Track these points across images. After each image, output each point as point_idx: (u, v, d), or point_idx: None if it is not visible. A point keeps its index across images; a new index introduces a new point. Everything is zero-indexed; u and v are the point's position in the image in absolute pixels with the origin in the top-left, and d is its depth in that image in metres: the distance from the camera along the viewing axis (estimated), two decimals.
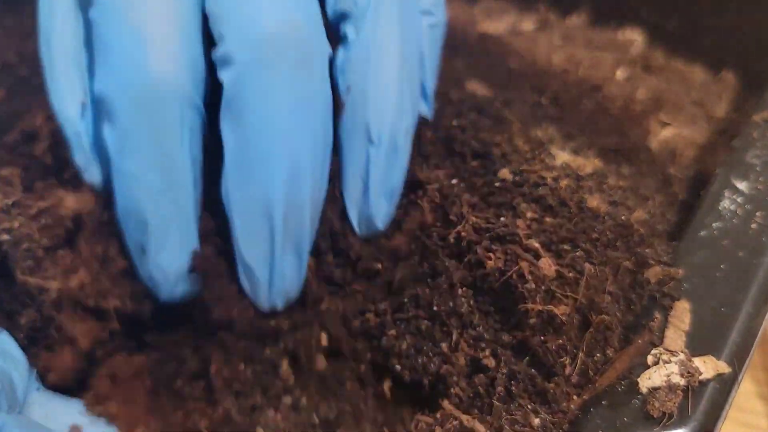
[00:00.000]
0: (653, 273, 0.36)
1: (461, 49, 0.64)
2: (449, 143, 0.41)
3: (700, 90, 0.61)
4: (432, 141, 0.42)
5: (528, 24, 0.69)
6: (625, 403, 0.32)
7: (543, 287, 0.32)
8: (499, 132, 0.43)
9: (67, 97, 0.35)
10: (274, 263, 0.34)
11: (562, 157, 0.42)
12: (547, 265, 0.33)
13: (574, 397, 0.33)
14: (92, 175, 0.36)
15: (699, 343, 0.34)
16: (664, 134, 0.57)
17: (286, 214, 0.33)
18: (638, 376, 0.33)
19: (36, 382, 0.35)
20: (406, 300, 0.35)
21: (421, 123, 0.41)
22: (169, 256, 0.33)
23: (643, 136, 0.57)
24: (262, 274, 0.34)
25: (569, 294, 0.33)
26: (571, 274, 0.33)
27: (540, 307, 0.32)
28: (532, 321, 0.32)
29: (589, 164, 0.42)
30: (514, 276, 0.32)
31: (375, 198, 0.37)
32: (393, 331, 0.35)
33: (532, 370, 0.33)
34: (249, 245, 0.34)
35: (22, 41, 0.60)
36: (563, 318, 0.32)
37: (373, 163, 0.36)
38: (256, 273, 0.34)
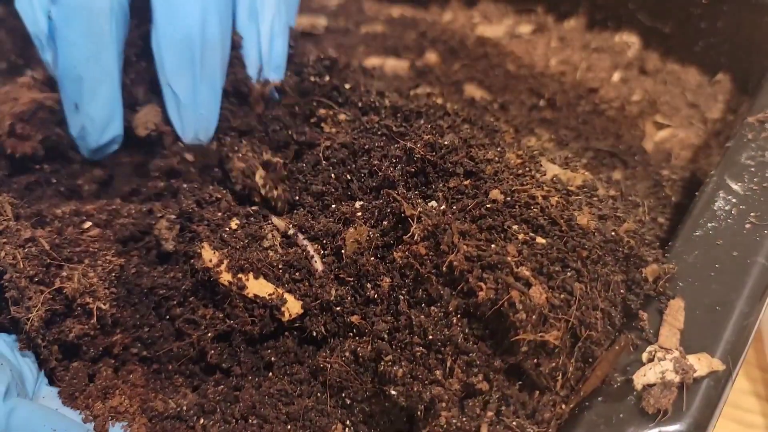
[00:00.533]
0: (650, 271, 0.37)
1: (460, 53, 0.65)
2: (443, 163, 0.41)
3: (695, 92, 0.62)
4: (424, 159, 0.42)
5: (525, 27, 0.69)
6: (620, 399, 0.33)
7: (534, 316, 0.33)
8: (491, 145, 0.44)
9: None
10: (195, 89, 0.44)
11: (553, 170, 0.42)
12: (538, 293, 0.33)
13: (562, 406, 0.33)
14: (47, 54, 0.45)
15: (693, 340, 0.34)
16: (660, 136, 0.58)
17: (203, 49, 0.44)
18: (633, 373, 0.33)
19: (44, 380, 0.37)
20: (402, 326, 0.36)
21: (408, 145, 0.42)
22: (98, 107, 0.44)
23: (639, 137, 0.57)
24: (186, 97, 0.44)
25: (561, 316, 0.33)
26: (562, 296, 0.34)
27: (531, 337, 0.33)
28: (524, 349, 0.33)
29: (578, 177, 0.42)
30: (506, 305, 0.33)
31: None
32: (390, 357, 0.36)
33: (524, 393, 0.34)
34: (175, 76, 0.44)
35: None
36: (556, 342, 0.33)
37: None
38: (181, 98, 0.44)
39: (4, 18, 0.72)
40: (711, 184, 0.43)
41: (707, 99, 0.61)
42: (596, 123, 0.57)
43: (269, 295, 0.38)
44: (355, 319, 0.37)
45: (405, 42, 0.67)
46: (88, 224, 0.43)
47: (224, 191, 0.44)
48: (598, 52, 0.65)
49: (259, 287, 0.38)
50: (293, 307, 0.38)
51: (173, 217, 0.42)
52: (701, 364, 0.33)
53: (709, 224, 0.40)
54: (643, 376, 0.32)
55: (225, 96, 0.47)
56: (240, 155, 0.44)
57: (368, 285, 0.38)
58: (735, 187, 0.42)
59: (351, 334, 0.38)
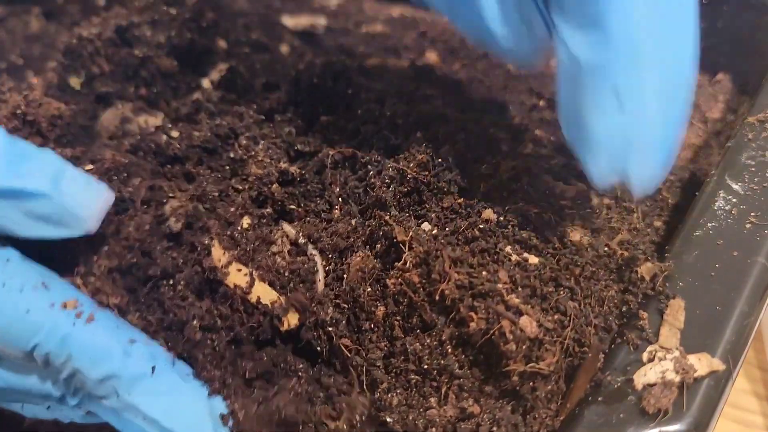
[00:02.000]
0: (645, 269, 0.37)
1: (460, 53, 0.65)
2: (437, 182, 0.42)
3: (695, 92, 0.61)
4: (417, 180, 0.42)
5: None
6: (620, 399, 0.33)
7: (524, 346, 0.33)
8: (487, 155, 0.44)
9: None
10: None
11: (546, 181, 0.43)
12: (528, 323, 0.33)
13: (553, 420, 0.34)
14: None
15: (694, 340, 0.34)
16: None
17: None
18: (633, 373, 0.33)
19: None
20: (397, 352, 0.37)
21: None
22: None
23: None
24: None
25: (556, 339, 0.33)
26: (556, 317, 0.34)
27: (522, 368, 0.33)
28: (515, 379, 0.33)
29: (571, 189, 0.43)
30: (496, 334, 0.33)
31: None
32: (385, 384, 0.36)
33: (516, 415, 0.34)
34: None
35: None
36: (550, 369, 0.33)
37: None
38: None
39: (4, 18, 0.72)
40: (711, 184, 0.43)
41: (707, 99, 0.61)
42: None
43: (272, 303, 0.38)
44: (346, 342, 0.37)
45: (405, 42, 0.67)
46: None
47: (241, 187, 0.43)
48: None
49: (263, 293, 0.38)
50: (292, 318, 0.38)
51: (184, 201, 0.42)
52: (701, 363, 0.33)
53: (709, 224, 0.40)
54: (644, 376, 0.32)
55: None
56: (258, 160, 0.44)
57: (362, 315, 0.38)
58: (735, 187, 0.42)
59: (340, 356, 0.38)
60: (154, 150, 0.46)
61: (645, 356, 0.33)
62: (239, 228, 0.40)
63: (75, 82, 0.55)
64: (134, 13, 0.58)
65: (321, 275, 0.39)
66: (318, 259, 0.39)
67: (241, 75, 0.55)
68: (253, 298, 0.37)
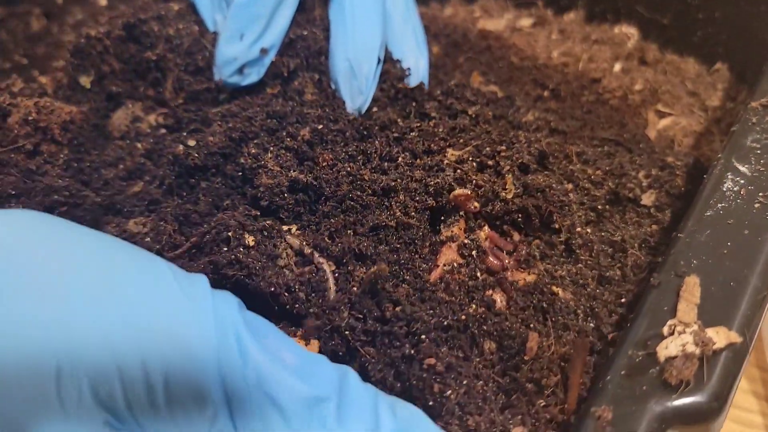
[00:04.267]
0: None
1: (463, 46, 0.66)
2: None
3: (695, 81, 0.63)
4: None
5: (526, 21, 0.70)
6: (643, 372, 0.34)
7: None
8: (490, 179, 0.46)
9: None
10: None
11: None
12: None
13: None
14: None
15: (710, 315, 0.35)
16: (662, 124, 0.59)
17: None
18: (654, 347, 0.34)
19: None
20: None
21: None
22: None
23: (643, 126, 0.58)
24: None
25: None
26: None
27: None
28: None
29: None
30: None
31: None
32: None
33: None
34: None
35: None
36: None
37: None
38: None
39: (4, 18, 0.72)
40: (719, 166, 0.44)
41: (707, 88, 0.62)
42: (600, 112, 0.58)
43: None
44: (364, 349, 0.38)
45: None
46: None
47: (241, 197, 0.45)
48: (598, 43, 0.66)
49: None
50: (312, 348, 0.39)
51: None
52: (719, 336, 0.34)
53: (719, 204, 0.41)
54: (665, 349, 0.33)
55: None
56: (267, 169, 0.45)
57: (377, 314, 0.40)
58: (742, 169, 0.43)
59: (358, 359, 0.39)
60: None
61: (665, 330, 0.34)
62: (243, 247, 0.41)
63: (85, 81, 0.55)
64: (139, 11, 0.58)
65: (331, 282, 0.40)
66: (326, 267, 0.40)
67: None
68: None
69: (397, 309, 0.38)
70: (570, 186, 0.46)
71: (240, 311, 0.31)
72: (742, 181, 0.42)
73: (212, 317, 0.29)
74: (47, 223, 0.31)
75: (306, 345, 0.39)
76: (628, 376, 0.34)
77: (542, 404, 0.37)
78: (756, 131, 0.46)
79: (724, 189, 0.42)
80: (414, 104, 0.52)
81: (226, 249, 0.41)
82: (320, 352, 0.39)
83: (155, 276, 0.30)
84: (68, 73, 0.55)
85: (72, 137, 0.51)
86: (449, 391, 0.35)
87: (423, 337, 0.37)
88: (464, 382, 0.35)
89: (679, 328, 0.34)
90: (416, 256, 0.42)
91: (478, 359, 0.37)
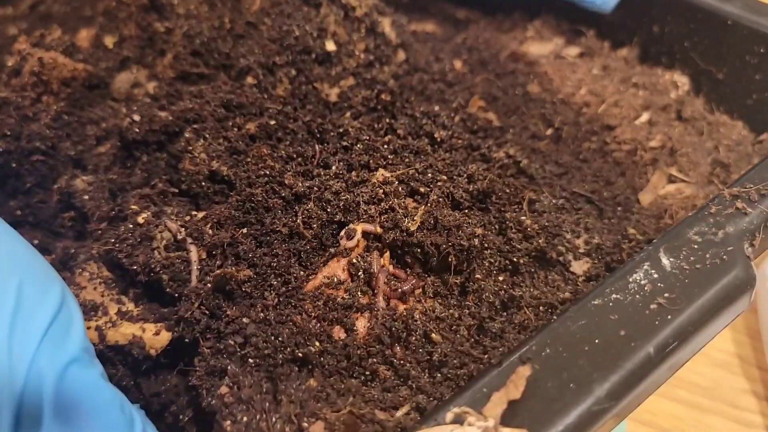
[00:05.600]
0: None
1: (489, 65, 0.63)
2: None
3: (731, 149, 0.55)
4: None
5: (573, 50, 0.65)
6: None
7: None
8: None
9: None
10: None
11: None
12: None
13: None
14: None
15: (530, 413, 0.32)
16: (666, 189, 0.53)
17: None
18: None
19: None
20: None
21: None
22: None
23: (639, 187, 0.52)
24: None
25: None
26: None
27: None
28: None
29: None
30: None
31: None
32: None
33: None
34: None
35: None
36: None
37: None
38: None
39: None
40: (644, 252, 0.39)
41: (741, 158, 0.54)
42: (594, 164, 0.53)
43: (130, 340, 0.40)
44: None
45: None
46: None
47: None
48: (636, 87, 0.60)
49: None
50: (162, 339, 0.40)
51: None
52: None
53: (613, 296, 0.36)
54: None
55: None
56: (193, 156, 0.46)
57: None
58: (665, 261, 0.38)
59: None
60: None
61: (448, 416, 0.31)
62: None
63: (109, 41, 0.60)
64: None
65: (194, 270, 0.40)
66: (194, 254, 0.41)
67: None
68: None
69: (244, 320, 0.39)
70: (480, 231, 0.43)
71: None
72: (655, 276, 0.37)
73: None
74: None
75: (155, 335, 0.40)
76: None
77: None
78: (707, 223, 0.40)
79: (630, 279, 0.37)
80: (387, 120, 0.51)
81: (121, 224, 0.43)
82: (170, 342, 0.40)
83: None
84: (95, 32, 0.60)
85: (71, 92, 0.55)
86: (227, 422, 0.34)
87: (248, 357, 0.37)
88: (245, 419, 0.34)
89: (471, 419, 0.31)
90: (297, 265, 0.42)
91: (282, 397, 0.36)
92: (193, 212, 0.45)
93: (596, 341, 0.35)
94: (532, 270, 0.44)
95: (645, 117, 0.58)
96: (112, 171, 0.49)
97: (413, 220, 0.42)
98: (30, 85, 0.55)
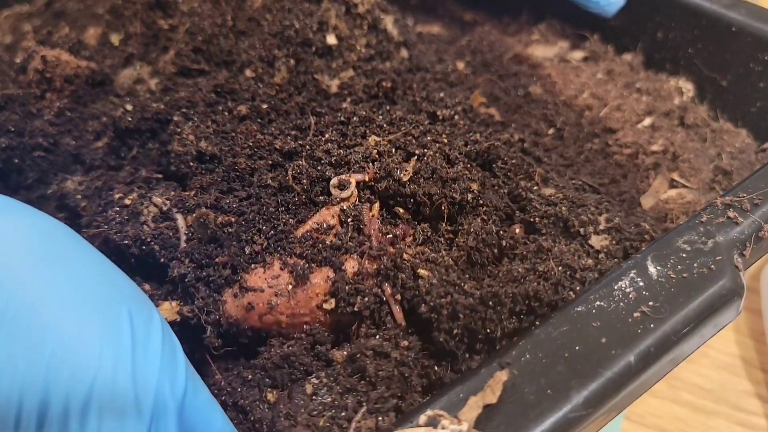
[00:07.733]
0: None
1: (492, 66, 0.63)
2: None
3: (734, 156, 0.54)
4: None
5: (578, 54, 0.65)
6: None
7: None
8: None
9: None
10: None
11: None
12: None
13: None
14: None
15: (506, 419, 0.32)
16: (668, 194, 0.52)
17: None
18: None
19: None
20: None
21: None
22: None
23: (642, 190, 0.52)
24: None
25: None
26: None
27: None
28: None
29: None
30: None
31: None
32: None
33: None
34: None
35: None
36: None
37: None
38: None
39: None
40: (631, 260, 0.38)
41: (744, 166, 0.54)
42: (598, 164, 0.53)
43: None
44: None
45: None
46: None
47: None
48: (640, 93, 0.59)
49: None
50: (168, 313, 0.41)
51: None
52: None
53: (597, 303, 0.36)
54: None
55: None
56: (182, 138, 0.47)
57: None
58: (652, 270, 0.37)
59: None
60: None
61: (422, 419, 0.31)
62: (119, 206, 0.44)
63: (115, 39, 0.61)
64: None
65: (182, 232, 0.42)
66: (180, 220, 0.42)
67: None
68: None
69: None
70: (476, 186, 0.42)
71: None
72: (641, 284, 0.37)
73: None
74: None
75: (167, 307, 0.41)
76: None
77: None
78: (697, 232, 0.39)
79: (616, 287, 0.37)
80: (388, 107, 0.51)
81: (109, 209, 0.44)
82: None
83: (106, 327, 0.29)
84: (102, 30, 0.61)
85: (74, 89, 0.56)
86: None
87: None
88: None
89: (444, 422, 0.31)
90: (286, 214, 0.42)
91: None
92: (182, 192, 0.46)
93: (577, 348, 0.34)
94: (552, 233, 0.43)
95: (647, 121, 0.57)
96: (105, 164, 0.50)
97: (406, 171, 0.42)
98: (34, 82, 0.56)
